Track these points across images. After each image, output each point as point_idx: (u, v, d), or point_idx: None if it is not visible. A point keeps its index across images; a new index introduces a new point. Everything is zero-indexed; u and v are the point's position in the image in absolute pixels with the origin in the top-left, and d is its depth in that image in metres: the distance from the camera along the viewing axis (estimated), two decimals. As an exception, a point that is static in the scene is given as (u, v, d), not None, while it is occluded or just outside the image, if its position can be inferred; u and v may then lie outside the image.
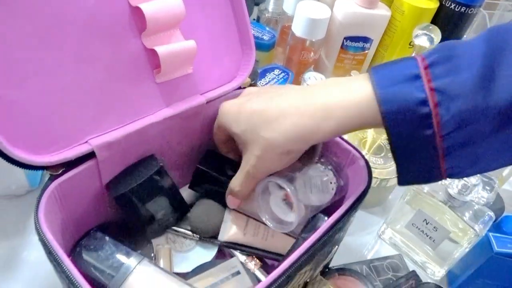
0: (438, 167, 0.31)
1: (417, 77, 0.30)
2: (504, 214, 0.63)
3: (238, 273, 0.45)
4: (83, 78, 0.39)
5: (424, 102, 0.30)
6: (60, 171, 0.39)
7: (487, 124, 0.29)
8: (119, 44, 0.40)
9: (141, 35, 0.41)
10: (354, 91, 0.33)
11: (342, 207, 0.41)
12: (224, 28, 0.48)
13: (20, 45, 0.35)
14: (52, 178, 0.38)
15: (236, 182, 0.43)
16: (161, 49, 0.41)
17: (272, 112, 0.38)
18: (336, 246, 0.47)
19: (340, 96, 0.34)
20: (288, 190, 0.41)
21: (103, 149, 0.40)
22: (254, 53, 0.50)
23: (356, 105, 0.33)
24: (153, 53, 0.42)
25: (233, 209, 0.48)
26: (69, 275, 0.32)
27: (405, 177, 0.35)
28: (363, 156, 0.45)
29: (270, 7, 0.76)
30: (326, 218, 0.46)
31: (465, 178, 0.49)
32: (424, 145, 0.31)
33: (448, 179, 0.34)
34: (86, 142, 0.40)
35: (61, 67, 0.37)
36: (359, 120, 0.33)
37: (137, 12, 0.40)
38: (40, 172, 0.59)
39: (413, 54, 0.61)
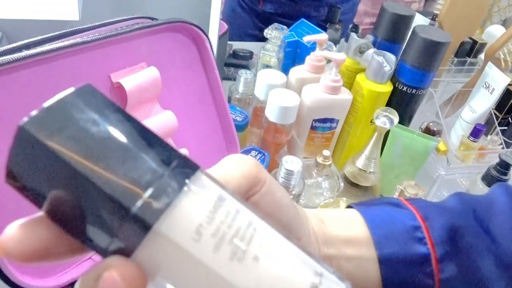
0: None
1: (425, 262, 0.28)
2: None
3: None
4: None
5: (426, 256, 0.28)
6: (67, 291, 0.40)
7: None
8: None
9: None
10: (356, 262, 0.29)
11: None
12: (210, 130, 0.52)
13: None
14: (60, 300, 0.40)
15: None
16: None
17: None
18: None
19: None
20: None
21: (107, 264, 0.42)
22: (239, 148, 0.54)
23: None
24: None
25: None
26: None
27: None
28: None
29: (240, 89, 0.82)
30: None
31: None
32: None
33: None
34: (90, 258, 0.42)
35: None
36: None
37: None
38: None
39: (374, 134, 0.67)
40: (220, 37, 0.90)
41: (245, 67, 1.07)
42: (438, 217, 0.29)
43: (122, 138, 0.16)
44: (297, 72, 0.74)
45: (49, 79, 0.38)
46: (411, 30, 0.69)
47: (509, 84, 0.69)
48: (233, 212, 0.17)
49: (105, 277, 0.15)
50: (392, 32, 0.72)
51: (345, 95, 0.70)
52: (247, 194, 0.23)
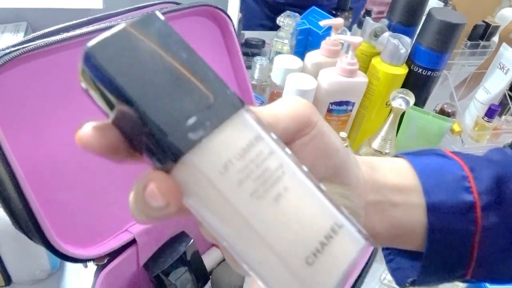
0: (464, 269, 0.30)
1: (470, 209, 0.29)
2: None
3: None
4: (119, 176, 0.43)
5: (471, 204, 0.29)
6: (106, 260, 0.42)
7: None
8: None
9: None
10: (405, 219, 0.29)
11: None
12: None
13: (67, 156, 0.39)
14: (100, 268, 0.42)
15: None
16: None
17: None
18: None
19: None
20: None
21: (143, 235, 0.44)
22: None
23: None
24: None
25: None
26: None
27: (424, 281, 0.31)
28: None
29: (256, 75, 0.83)
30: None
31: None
32: (458, 251, 0.29)
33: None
34: (126, 230, 0.44)
35: (100, 167, 0.42)
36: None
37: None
38: (59, 254, 0.61)
39: (390, 115, 0.69)
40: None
41: (258, 55, 1.09)
42: (483, 168, 0.30)
43: (177, 69, 0.18)
44: (313, 56, 0.75)
45: (75, 64, 0.40)
46: (425, 13, 0.70)
47: (523, 65, 0.70)
48: (266, 153, 0.18)
49: (147, 187, 0.18)
50: (406, 16, 0.73)
51: (361, 78, 0.71)
52: (297, 135, 0.24)
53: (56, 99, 0.38)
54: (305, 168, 0.20)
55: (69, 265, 0.62)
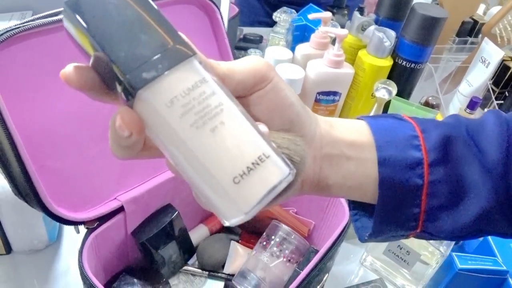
0: (416, 215, 0.32)
1: (418, 163, 0.31)
2: (465, 235, 0.73)
3: None
4: (108, 148, 0.47)
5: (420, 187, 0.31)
6: (95, 225, 0.46)
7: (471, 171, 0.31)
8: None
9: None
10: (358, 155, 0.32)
11: (330, 239, 0.50)
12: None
13: (62, 125, 0.43)
14: (89, 231, 0.46)
15: None
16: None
17: None
18: (327, 274, 0.56)
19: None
20: None
21: (130, 203, 0.48)
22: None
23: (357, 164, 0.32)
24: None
25: (237, 243, 0.57)
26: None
27: (375, 232, 0.34)
28: (343, 195, 0.55)
29: (251, 67, 0.87)
30: (312, 248, 0.55)
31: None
32: (408, 195, 0.31)
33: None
34: (115, 198, 0.48)
35: (92, 138, 0.45)
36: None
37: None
38: (57, 227, 0.65)
39: (374, 105, 0.72)
40: (231, 20, 0.95)
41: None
42: (434, 129, 0.32)
43: (141, 18, 0.22)
44: (302, 48, 0.79)
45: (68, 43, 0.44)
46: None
47: (504, 59, 0.73)
48: (208, 93, 0.22)
49: (116, 120, 0.22)
50: (393, 10, 0.76)
51: (347, 69, 0.74)
52: (254, 88, 0.27)
53: (52, 73, 0.42)
54: (242, 109, 0.23)
55: (65, 238, 0.66)
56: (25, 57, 0.40)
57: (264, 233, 0.56)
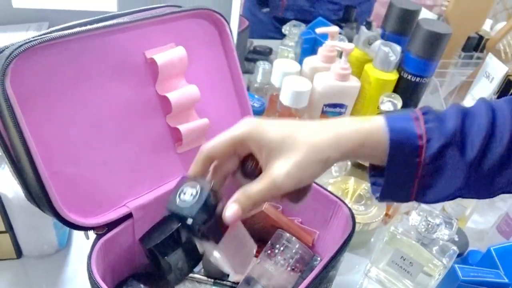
0: (412, 188, 0.40)
1: (416, 118, 0.39)
2: (469, 249, 0.73)
3: None
4: (121, 153, 0.49)
5: (418, 137, 0.38)
6: (104, 231, 0.48)
7: (453, 166, 0.39)
8: (149, 124, 0.51)
9: (166, 117, 0.52)
10: (370, 121, 0.40)
11: (332, 249, 0.51)
12: (228, 103, 0.59)
13: (75, 132, 0.45)
14: (98, 236, 0.47)
15: (254, 189, 0.40)
16: (183, 127, 0.52)
17: (309, 123, 0.41)
18: (331, 284, 0.56)
19: (359, 121, 0.41)
20: None
21: (139, 210, 0.49)
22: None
23: (370, 128, 0.39)
24: (174, 130, 0.53)
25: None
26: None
27: (385, 194, 0.42)
28: (346, 205, 0.56)
29: (259, 78, 0.89)
30: (319, 258, 0.56)
31: (429, 219, 0.60)
32: (409, 169, 0.39)
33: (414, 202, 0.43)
34: (124, 205, 0.49)
35: (104, 146, 0.47)
36: (370, 140, 0.39)
37: (163, 99, 0.51)
38: (67, 234, 0.66)
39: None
40: (241, 32, 0.97)
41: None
42: (432, 112, 0.40)
43: None
44: (310, 61, 0.80)
45: (92, 54, 0.46)
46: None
47: (509, 75, 0.74)
48: None
49: None
50: (399, 25, 0.78)
51: (354, 82, 0.76)
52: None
53: (67, 82, 0.44)
54: None
55: (75, 244, 0.67)
56: (43, 67, 0.42)
57: (269, 242, 0.57)
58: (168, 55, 0.50)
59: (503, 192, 0.42)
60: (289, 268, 0.54)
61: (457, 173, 0.39)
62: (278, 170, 0.39)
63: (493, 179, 0.40)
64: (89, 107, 0.45)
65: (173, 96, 0.50)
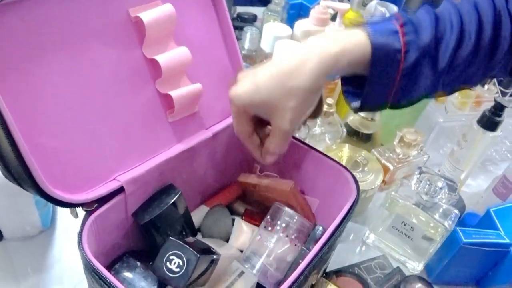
0: (389, 95, 0.45)
1: (396, 32, 0.42)
2: (466, 211, 0.73)
3: (242, 273, 0.50)
4: (109, 124, 0.44)
5: (398, 51, 0.42)
6: (94, 207, 0.44)
7: (425, 74, 0.44)
8: (137, 91, 0.47)
9: (155, 82, 0.48)
10: (353, 36, 0.43)
11: (338, 217, 0.48)
12: (221, 68, 0.55)
13: (57, 101, 0.40)
14: (88, 213, 0.43)
15: (273, 145, 0.47)
16: (174, 93, 0.48)
17: (289, 63, 0.43)
18: (333, 252, 0.54)
19: (343, 38, 0.43)
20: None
21: (130, 184, 0.45)
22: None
23: (355, 44, 0.42)
24: (165, 97, 0.49)
25: (241, 219, 0.55)
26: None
27: (366, 100, 0.46)
28: (349, 171, 0.53)
29: (246, 45, 0.84)
30: (321, 228, 0.53)
31: (432, 182, 0.58)
32: (387, 79, 0.43)
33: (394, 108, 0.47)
34: (114, 179, 0.45)
35: (90, 116, 0.43)
36: (356, 52, 0.42)
37: (151, 63, 0.47)
38: (50, 213, 0.62)
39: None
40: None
41: (249, 28, 1.09)
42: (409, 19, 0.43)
43: None
44: (302, 25, 0.76)
45: (69, 15, 0.41)
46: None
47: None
48: None
49: None
50: (393, -16, 0.74)
51: (335, 27, 0.72)
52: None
53: (45, 48, 0.39)
54: None
55: (59, 224, 0.63)
56: (17, 27, 0.37)
57: (268, 216, 0.55)
58: (155, 12, 0.45)
59: (464, 84, 0.48)
60: (290, 242, 0.52)
61: (430, 79, 0.44)
62: (282, 122, 0.45)
63: (460, 76, 0.46)
64: (70, 74, 0.41)
65: (163, 58, 0.46)
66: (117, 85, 0.45)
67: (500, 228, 0.60)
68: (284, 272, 0.52)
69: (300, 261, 0.51)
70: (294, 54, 0.43)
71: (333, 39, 0.43)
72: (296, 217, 0.53)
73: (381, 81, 0.44)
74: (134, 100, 0.46)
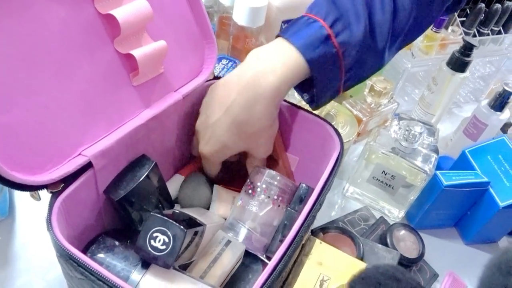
0: (339, 87, 0.48)
1: (327, 38, 0.43)
2: (439, 155, 0.74)
3: (229, 242, 0.47)
4: (66, 93, 0.39)
5: (335, 55, 0.44)
6: (61, 187, 0.39)
7: (369, 59, 0.46)
8: (94, 53, 0.41)
9: (114, 42, 0.42)
10: (288, 59, 0.44)
11: (326, 172, 0.46)
12: (185, 25, 0.50)
13: (2, 71, 0.34)
14: (55, 195, 0.38)
15: (256, 163, 0.52)
16: (137, 52, 0.42)
17: (240, 113, 0.46)
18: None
19: (280, 66, 0.45)
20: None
21: (98, 158, 0.41)
22: (216, 44, 0.53)
23: (293, 70, 0.45)
24: (126, 58, 0.43)
25: (220, 187, 0.52)
26: (98, 272, 0.33)
27: (318, 100, 0.48)
28: (332, 125, 0.51)
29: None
30: (304, 186, 0.51)
31: (411, 127, 0.57)
32: (333, 76, 0.46)
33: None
34: (80, 154, 0.40)
35: (43, 85, 0.37)
36: (296, 75, 0.45)
37: (107, 20, 0.41)
38: (7, 200, 0.56)
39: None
40: None
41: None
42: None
43: None
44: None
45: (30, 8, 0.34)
46: None
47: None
48: None
49: None
50: None
51: (312, -7, 0.68)
52: None
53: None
54: None
55: (19, 211, 0.57)
56: None
57: (248, 180, 0.52)
58: (105, -41, 0.39)
59: (413, 36, 0.51)
60: (272, 203, 0.50)
61: (375, 58, 0.47)
62: (257, 153, 0.51)
63: (404, 38, 0.48)
64: (15, 37, 0.34)
65: (120, 13, 0.40)
66: (71, 47, 0.39)
67: (477, 168, 0.61)
68: (271, 236, 0.50)
69: (286, 222, 0.49)
70: (242, 100, 0.45)
71: (271, 71, 0.44)
72: (278, 177, 0.51)
73: (328, 82, 0.46)
74: (91, 63, 0.41)
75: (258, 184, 0.50)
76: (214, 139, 0.48)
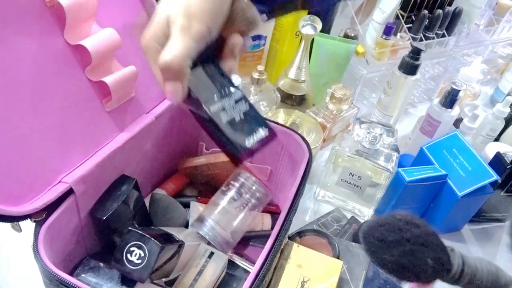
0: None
1: None
2: (400, 154, 0.79)
3: (212, 253, 0.49)
4: (42, 122, 0.40)
5: None
6: (44, 216, 0.40)
7: None
8: (67, 83, 0.42)
9: (85, 70, 0.43)
10: None
11: (297, 178, 0.49)
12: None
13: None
14: (39, 223, 0.39)
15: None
16: (109, 79, 0.44)
17: None
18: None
19: None
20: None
21: (79, 183, 0.42)
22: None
23: None
24: (98, 85, 0.45)
25: (197, 202, 0.54)
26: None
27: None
28: (298, 133, 0.54)
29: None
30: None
31: (371, 130, 0.61)
32: None
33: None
34: (60, 181, 0.41)
35: (20, 116, 0.38)
36: None
37: (77, 50, 0.42)
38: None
39: (301, 43, 0.72)
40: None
41: None
42: None
43: None
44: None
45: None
46: None
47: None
48: None
49: None
50: None
51: (269, 10, 0.72)
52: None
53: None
54: None
55: (-3, 243, 0.57)
56: None
57: (225, 182, 0.54)
58: (72, -6, 0.41)
59: None
60: (242, 203, 0.52)
61: None
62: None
63: None
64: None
65: (89, 43, 0.42)
66: (44, 78, 0.40)
67: (435, 162, 0.66)
68: (236, 235, 0.51)
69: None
70: None
71: None
72: (252, 179, 0.53)
73: None
74: (64, 92, 0.42)
75: (231, 182, 0.53)
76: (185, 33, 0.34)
